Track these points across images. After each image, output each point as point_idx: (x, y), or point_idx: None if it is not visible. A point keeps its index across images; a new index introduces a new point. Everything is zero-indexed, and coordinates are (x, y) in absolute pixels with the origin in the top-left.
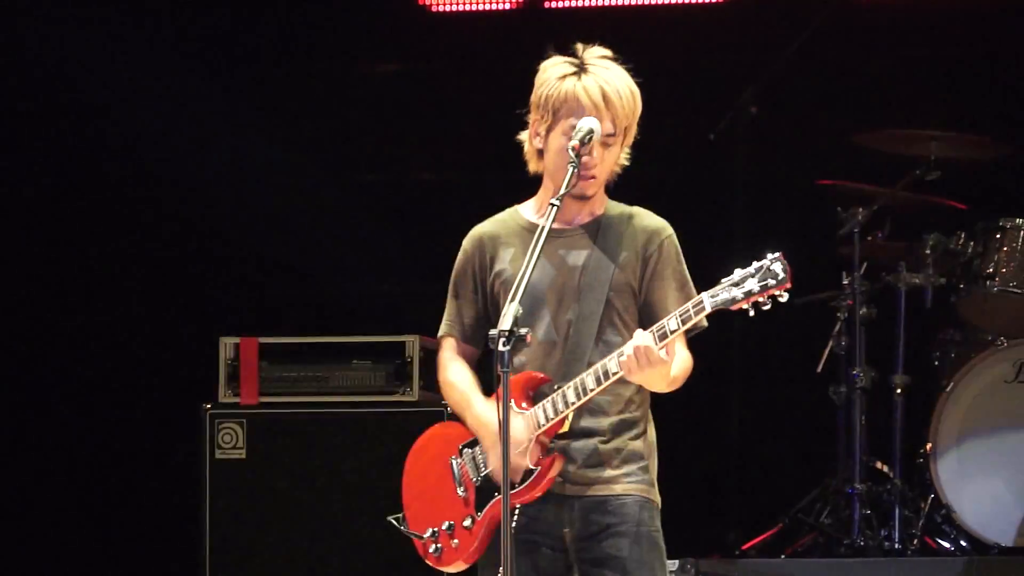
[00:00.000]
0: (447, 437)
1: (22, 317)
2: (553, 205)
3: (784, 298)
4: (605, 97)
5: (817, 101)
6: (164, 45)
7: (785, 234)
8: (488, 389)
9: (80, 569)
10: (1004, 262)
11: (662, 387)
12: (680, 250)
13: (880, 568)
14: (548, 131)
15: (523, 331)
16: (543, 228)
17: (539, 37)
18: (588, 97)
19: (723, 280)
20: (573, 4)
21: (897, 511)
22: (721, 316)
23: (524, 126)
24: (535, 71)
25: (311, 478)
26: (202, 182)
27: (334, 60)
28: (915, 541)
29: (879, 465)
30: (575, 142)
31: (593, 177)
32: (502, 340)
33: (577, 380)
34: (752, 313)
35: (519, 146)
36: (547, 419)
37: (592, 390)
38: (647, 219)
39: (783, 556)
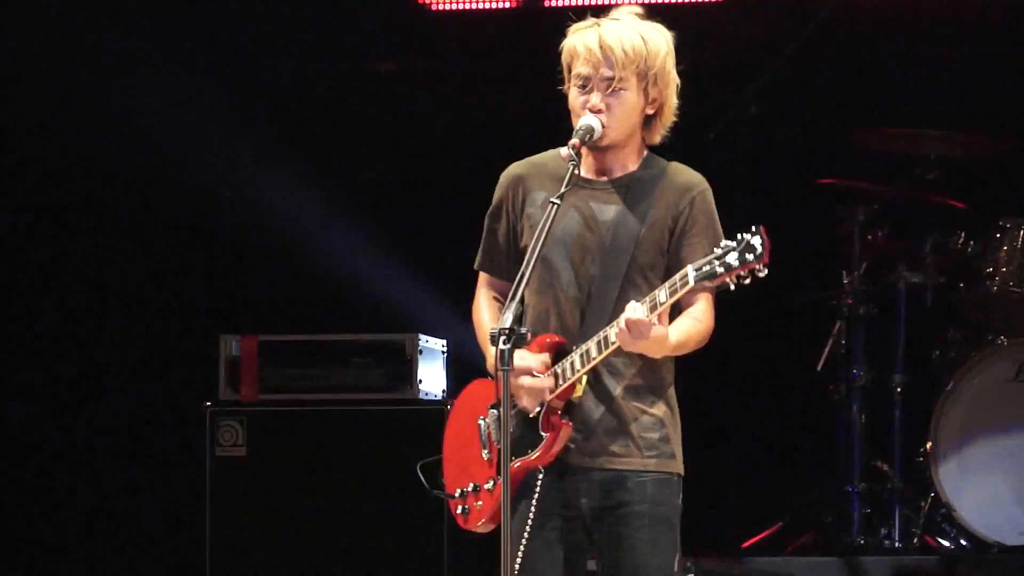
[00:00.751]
0: (481, 396)
1: (23, 314)
2: (553, 203)
3: (763, 273)
4: (601, 44)
5: (817, 100)
6: (163, 44)
7: (785, 233)
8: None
9: (81, 566)
10: (1004, 261)
11: (662, 355)
12: (713, 206)
13: (880, 567)
14: (568, 89)
15: (523, 330)
16: (540, 234)
17: (538, 36)
18: (584, 44)
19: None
20: (572, 3)
21: (897, 510)
22: (720, 313)
23: (520, 122)
24: (534, 69)
25: (311, 476)
26: (202, 180)
27: (333, 59)
28: (915, 540)
29: (879, 464)
30: (575, 140)
31: (600, 111)
32: (502, 338)
33: (584, 345)
34: (733, 287)
35: (519, 143)
36: (557, 384)
37: (595, 357)
38: (680, 174)
39: (783, 554)
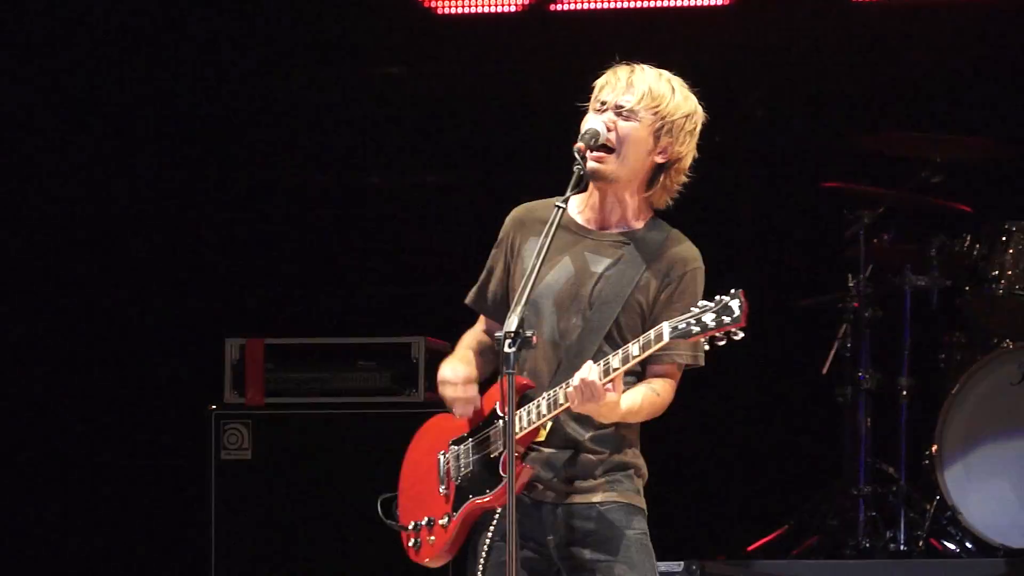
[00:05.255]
0: (442, 429)
1: (29, 318)
2: (558, 207)
3: (739, 336)
4: (630, 77)
5: (823, 103)
6: (166, 46)
7: (791, 236)
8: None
9: (86, 569)
10: (1010, 264)
11: (611, 420)
12: (703, 285)
13: (885, 570)
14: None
15: (529, 333)
16: (544, 241)
17: (545, 40)
18: (616, 75)
19: (687, 311)
20: (578, 7)
21: (903, 513)
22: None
23: (527, 125)
24: (541, 73)
25: (316, 479)
26: (204, 183)
27: (340, 62)
28: (920, 543)
29: (885, 467)
30: (580, 144)
31: (608, 129)
32: (507, 342)
33: (550, 393)
34: (707, 347)
35: (524, 148)
36: (520, 429)
37: (545, 415)
38: (679, 245)
39: (789, 558)
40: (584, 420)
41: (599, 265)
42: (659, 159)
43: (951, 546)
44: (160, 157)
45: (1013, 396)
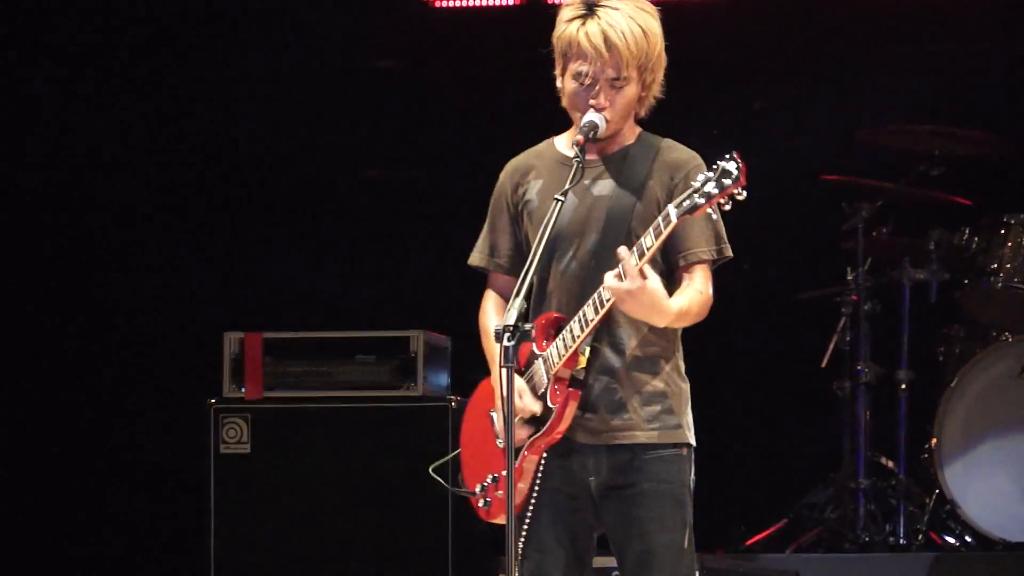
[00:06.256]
0: (491, 391)
1: (27, 311)
2: (557, 200)
3: (742, 196)
4: (607, 41)
5: (821, 96)
6: (165, 41)
7: (789, 229)
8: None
9: (84, 563)
10: (1008, 258)
11: (665, 321)
12: None
13: (884, 564)
14: (562, 73)
15: (527, 326)
16: (542, 232)
17: (540, 34)
18: (589, 41)
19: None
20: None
21: (902, 507)
22: (723, 314)
23: (523, 119)
24: (536, 67)
25: (315, 473)
26: (205, 179)
27: (335, 56)
28: (920, 537)
29: (884, 461)
30: (580, 136)
31: (604, 111)
32: (506, 336)
33: (580, 312)
34: (715, 216)
35: (521, 141)
36: (559, 356)
37: (592, 320)
38: (675, 151)
39: (788, 551)
40: (619, 347)
41: (602, 188)
42: (643, 94)
43: (950, 540)
44: (158, 153)
45: (1012, 389)
